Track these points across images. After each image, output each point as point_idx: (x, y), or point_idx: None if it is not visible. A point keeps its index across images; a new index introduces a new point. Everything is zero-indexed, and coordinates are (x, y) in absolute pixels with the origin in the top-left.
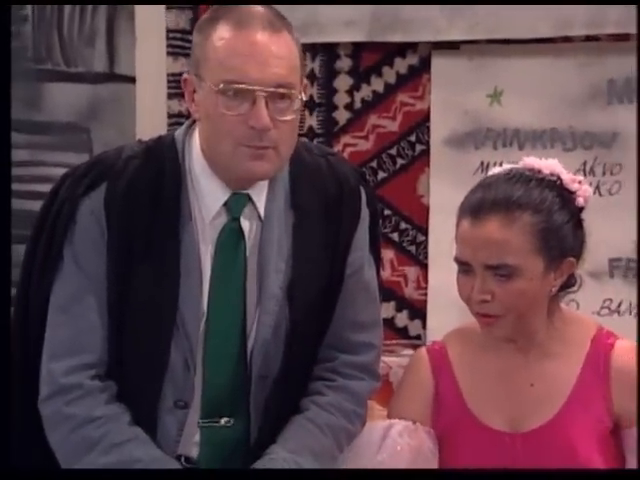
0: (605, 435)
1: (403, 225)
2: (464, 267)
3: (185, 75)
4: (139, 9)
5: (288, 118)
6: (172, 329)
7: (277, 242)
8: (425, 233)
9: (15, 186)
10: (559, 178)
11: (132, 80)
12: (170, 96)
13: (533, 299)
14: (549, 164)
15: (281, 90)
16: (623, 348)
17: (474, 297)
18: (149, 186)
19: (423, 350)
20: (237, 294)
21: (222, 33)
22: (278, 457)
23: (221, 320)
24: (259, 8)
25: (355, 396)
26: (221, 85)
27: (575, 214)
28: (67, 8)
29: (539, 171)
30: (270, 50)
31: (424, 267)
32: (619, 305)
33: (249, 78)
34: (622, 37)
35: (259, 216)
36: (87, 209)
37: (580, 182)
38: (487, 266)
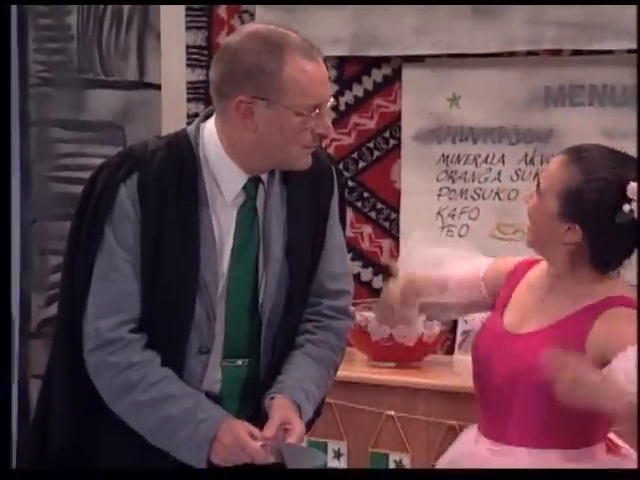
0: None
1: (379, 205)
2: None
3: (241, 98)
4: (164, 29)
5: None
6: (195, 289)
7: (275, 213)
8: (397, 212)
9: (64, 173)
10: (625, 184)
11: (158, 87)
12: (189, 100)
13: (545, 228)
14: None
15: (331, 103)
16: (613, 312)
17: (526, 196)
18: (172, 174)
19: (518, 258)
20: (252, 260)
21: (297, 64)
22: (286, 384)
23: (239, 281)
24: (299, 37)
25: (338, 333)
26: (307, 109)
27: (610, 213)
28: (105, 28)
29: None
30: (326, 74)
31: (396, 239)
32: None
33: (323, 99)
34: (556, 52)
35: (265, 195)
36: (124, 194)
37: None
38: (537, 182)
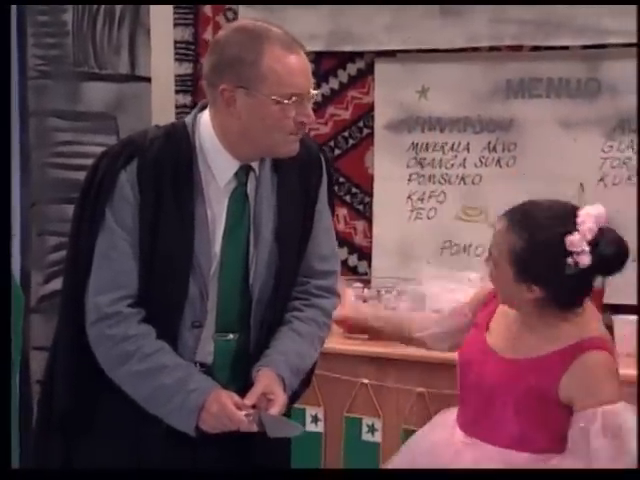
0: (541, 394)
1: (354, 190)
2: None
3: (224, 86)
4: (154, 26)
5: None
6: (189, 268)
7: (266, 198)
8: (370, 195)
9: (60, 160)
10: (564, 239)
11: (148, 80)
12: (177, 92)
13: (510, 293)
14: (588, 223)
15: (314, 93)
16: (585, 360)
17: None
18: (169, 160)
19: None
20: (242, 242)
21: (275, 55)
22: (272, 358)
23: (231, 262)
24: (282, 31)
25: (324, 311)
26: (286, 95)
27: (558, 268)
28: (99, 25)
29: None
30: (308, 66)
31: (369, 221)
32: None
33: (302, 89)
34: (516, 48)
35: (259, 180)
36: (124, 179)
37: (582, 251)
38: (489, 252)
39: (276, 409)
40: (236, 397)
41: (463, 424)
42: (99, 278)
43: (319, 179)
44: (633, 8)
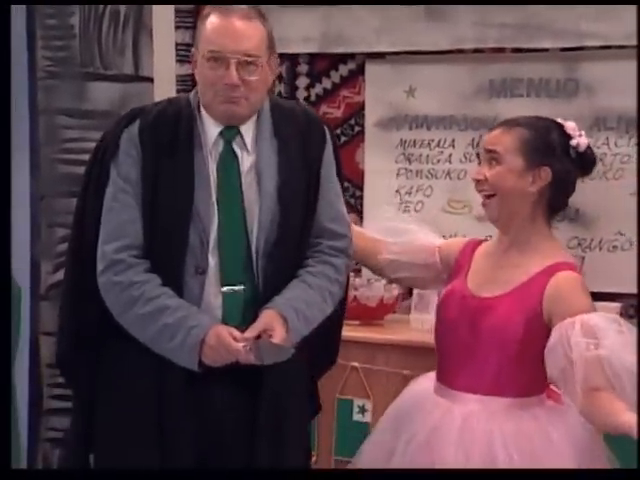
0: (533, 319)
1: (345, 184)
2: (481, 156)
3: (192, 50)
4: (156, 29)
5: (254, 78)
6: (190, 215)
7: (267, 159)
8: (361, 189)
9: (68, 156)
10: (562, 125)
11: (151, 80)
12: (178, 91)
13: (513, 188)
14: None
15: (247, 58)
16: (559, 276)
17: (473, 176)
18: (170, 120)
19: (467, 238)
20: (235, 193)
21: (212, 19)
22: (277, 302)
23: (227, 211)
24: (244, 6)
25: (335, 267)
26: (207, 53)
27: (564, 147)
28: (104, 27)
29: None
30: (241, 30)
31: (360, 214)
32: None
33: (225, 49)
34: (499, 50)
35: (245, 145)
36: (126, 137)
37: (580, 135)
38: (486, 150)
39: (274, 340)
40: (236, 332)
41: (443, 380)
42: (105, 229)
43: (321, 146)
44: (609, 12)
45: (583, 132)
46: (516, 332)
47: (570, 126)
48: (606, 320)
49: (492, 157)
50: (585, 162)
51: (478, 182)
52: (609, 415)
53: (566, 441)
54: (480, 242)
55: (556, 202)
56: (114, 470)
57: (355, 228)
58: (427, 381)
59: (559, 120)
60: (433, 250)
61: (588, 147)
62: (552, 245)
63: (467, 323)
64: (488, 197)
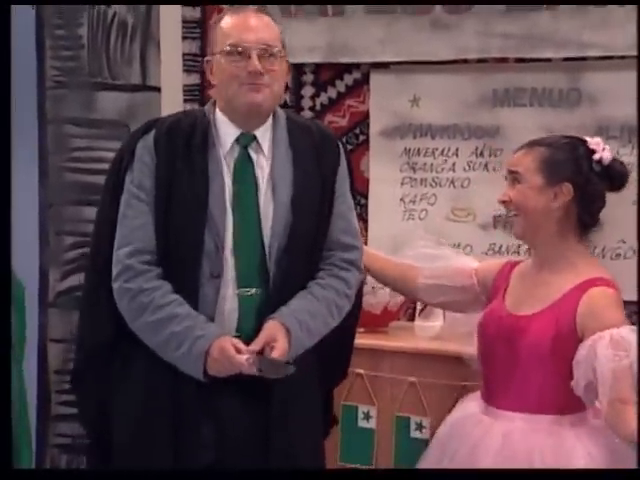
0: (568, 335)
1: None
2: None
3: (206, 59)
4: (163, 39)
5: (275, 68)
6: (204, 220)
7: (283, 168)
8: (366, 198)
9: (76, 164)
10: (585, 141)
11: (158, 90)
12: (185, 101)
13: (535, 205)
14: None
15: (267, 48)
16: (592, 292)
17: (499, 199)
18: (184, 129)
19: (505, 259)
20: (251, 198)
21: (226, 20)
22: (281, 312)
23: (242, 215)
24: (252, 7)
25: (345, 281)
26: (227, 47)
27: (588, 163)
28: (112, 38)
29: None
30: (257, 23)
31: (365, 222)
32: (500, 247)
33: (246, 40)
34: (502, 60)
35: (262, 151)
36: (142, 145)
37: (604, 149)
38: (509, 171)
39: (275, 354)
40: (240, 344)
41: (488, 399)
42: (119, 235)
43: (336, 161)
44: (611, 23)
45: (607, 147)
46: (551, 349)
47: (593, 141)
48: (635, 333)
49: (514, 178)
50: (613, 176)
51: (504, 203)
52: (633, 426)
53: (607, 460)
54: (517, 263)
55: (585, 218)
56: (114, 470)
57: (387, 257)
58: (474, 400)
59: (585, 137)
60: (470, 272)
61: (614, 160)
62: (586, 261)
63: (505, 342)
64: (514, 216)
